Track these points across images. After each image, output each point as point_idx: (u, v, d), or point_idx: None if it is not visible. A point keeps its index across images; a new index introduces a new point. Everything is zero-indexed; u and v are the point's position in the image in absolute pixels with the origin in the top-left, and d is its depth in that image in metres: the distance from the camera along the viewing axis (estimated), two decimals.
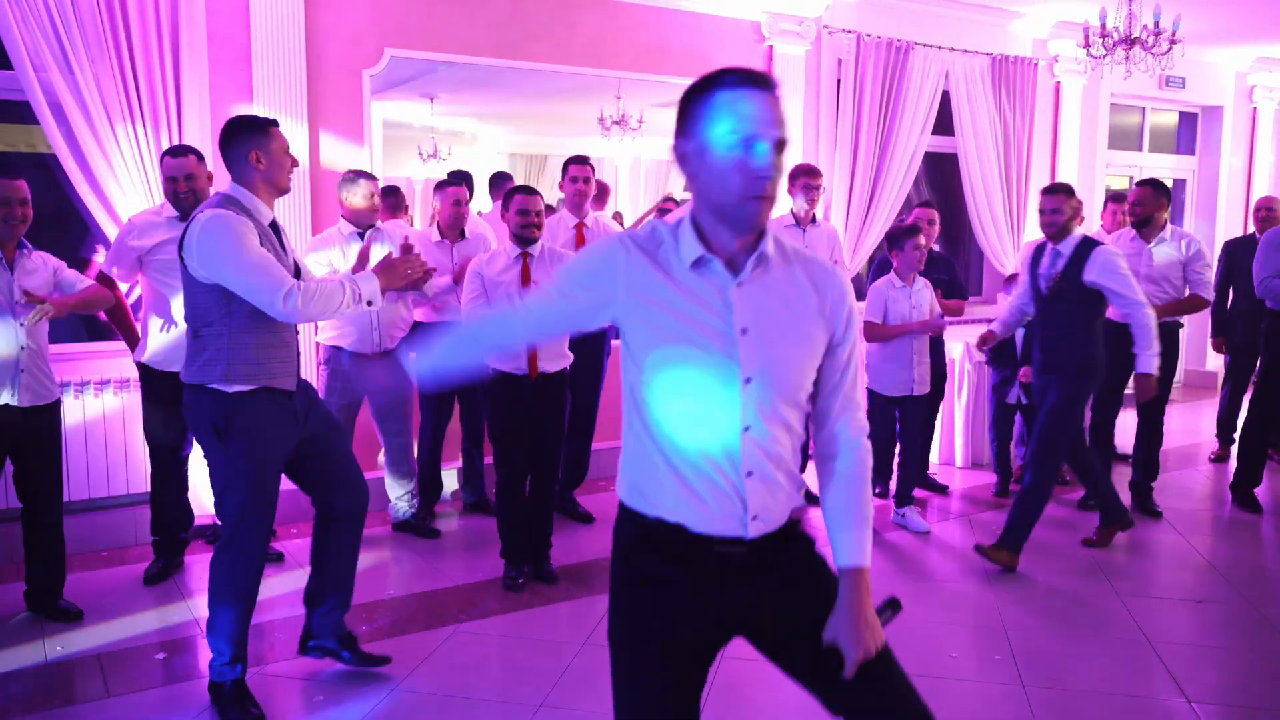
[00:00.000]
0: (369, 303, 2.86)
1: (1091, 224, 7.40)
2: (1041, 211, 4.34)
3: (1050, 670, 3.30)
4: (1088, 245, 4.22)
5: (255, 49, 4.51)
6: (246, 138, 2.81)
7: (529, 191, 3.95)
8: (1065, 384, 4.23)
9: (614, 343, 5.02)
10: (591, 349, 4.75)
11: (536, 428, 3.98)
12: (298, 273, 3.00)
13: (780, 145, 1.53)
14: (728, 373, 1.56)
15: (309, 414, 3.01)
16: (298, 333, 3.02)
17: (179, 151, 3.83)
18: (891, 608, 1.72)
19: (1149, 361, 4.17)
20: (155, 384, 3.91)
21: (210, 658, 2.96)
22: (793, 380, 1.62)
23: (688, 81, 1.58)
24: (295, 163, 2.94)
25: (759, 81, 1.52)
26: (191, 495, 4.37)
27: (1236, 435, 5.90)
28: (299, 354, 3.01)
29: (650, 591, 1.66)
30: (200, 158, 3.85)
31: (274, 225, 2.92)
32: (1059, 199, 4.28)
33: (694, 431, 1.59)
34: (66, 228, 4.57)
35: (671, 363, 1.57)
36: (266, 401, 2.85)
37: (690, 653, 1.68)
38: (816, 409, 1.72)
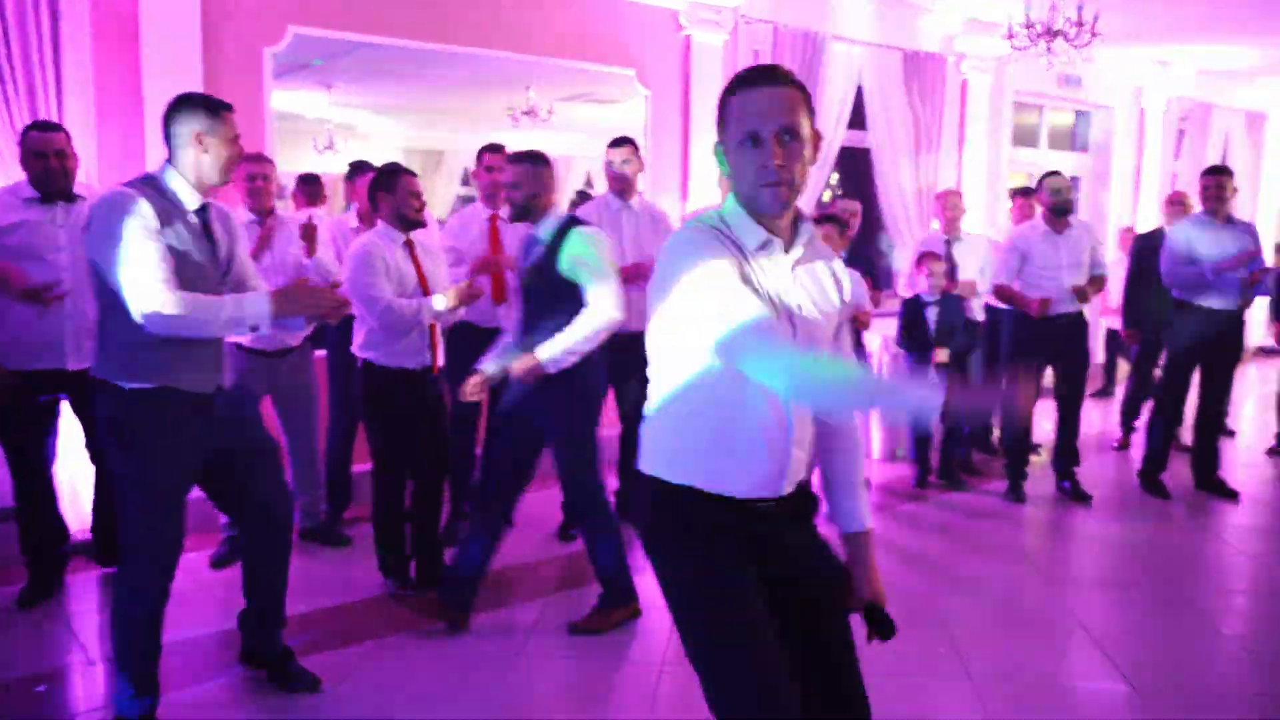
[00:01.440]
0: (254, 327, 2.57)
1: (998, 218, 7.56)
2: (504, 187, 3.55)
3: (995, 661, 3.26)
4: (572, 224, 3.32)
5: (144, 22, 4.16)
6: (193, 117, 2.60)
7: (412, 173, 3.68)
8: (568, 418, 3.36)
9: None
10: None
11: (434, 426, 3.76)
12: (229, 267, 2.75)
13: (786, 133, 1.62)
14: None
15: (234, 426, 2.78)
16: None
17: (48, 126, 3.52)
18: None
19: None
20: (7, 386, 3.50)
21: (112, 688, 2.69)
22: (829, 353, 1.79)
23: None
24: (242, 152, 2.73)
25: (765, 77, 1.65)
26: (72, 506, 4.00)
27: (1138, 424, 6.11)
28: (222, 354, 2.74)
29: (712, 541, 1.75)
30: (68, 135, 3.53)
31: (202, 212, 2.67)
32: (520, 170, 3.30)
33: (755, 400, 1.68)
34: None
35: None
36: (172, 404, 2.59)
37: (756, 588, 1.75)
38: None
